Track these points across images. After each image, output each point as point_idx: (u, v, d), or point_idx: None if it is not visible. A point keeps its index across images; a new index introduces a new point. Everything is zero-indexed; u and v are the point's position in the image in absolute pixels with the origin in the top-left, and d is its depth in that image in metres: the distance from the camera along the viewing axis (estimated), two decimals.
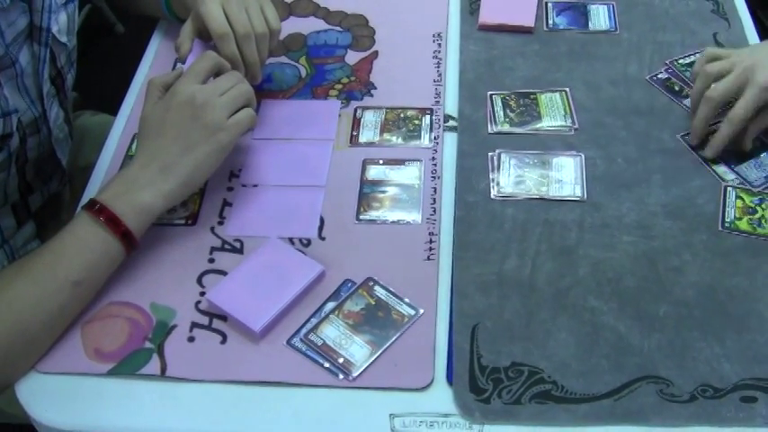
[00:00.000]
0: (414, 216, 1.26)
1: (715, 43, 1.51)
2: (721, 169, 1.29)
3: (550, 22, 1.57)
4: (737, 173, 1.29)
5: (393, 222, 1.25)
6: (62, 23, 1.35)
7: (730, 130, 1.27)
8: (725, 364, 1.08)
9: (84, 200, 1.30)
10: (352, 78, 1.48)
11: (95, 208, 1.13)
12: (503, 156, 1.32)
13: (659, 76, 1.46)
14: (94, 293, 1.16)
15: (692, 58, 1.48)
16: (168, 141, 1.18)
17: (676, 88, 1.44)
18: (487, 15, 1.57)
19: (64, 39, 1.36)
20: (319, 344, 1.11)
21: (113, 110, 1.50)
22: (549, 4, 1.61)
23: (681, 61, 1.48)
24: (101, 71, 2.44)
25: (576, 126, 1.36)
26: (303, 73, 1.50)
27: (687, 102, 1.40)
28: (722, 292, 1.15)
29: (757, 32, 1.54)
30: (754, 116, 1.26)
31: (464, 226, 1.24)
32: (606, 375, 1.07)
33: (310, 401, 1.07)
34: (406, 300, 1.15)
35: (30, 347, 1.10)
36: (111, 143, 1.40)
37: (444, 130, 1.38)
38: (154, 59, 1.56)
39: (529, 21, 1.55)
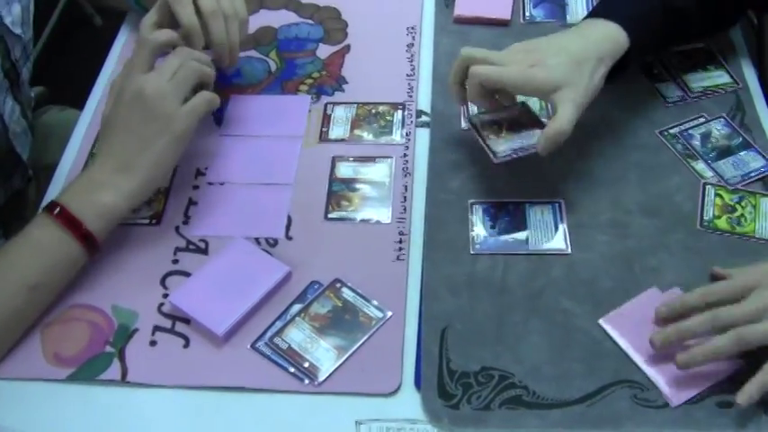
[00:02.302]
0: (384, 215, 1.23)
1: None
2: (700, 166, 1.27)
3: (527, 14, 1.54)
4: (715, 170, 1.26)
5: (362, 221, 1.22)
6: (15, 14, 1.32)
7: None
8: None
9: (48, 199, 1.27)
10: (323, 73, 1.45)
11: (55, 211, 1.10)
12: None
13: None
14: (53, 297, 1.13)
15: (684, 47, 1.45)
16: (124, 138, 1.14)
17: (655, 71, 1.42)
18: (463, 8, 1.53)
19: (18, 30, 1.33)
20: (284, 348, 1.08)
21: (82, 105, 1.47)
22: None
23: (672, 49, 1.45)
24: (75, 65, 2.41)
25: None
26: (273, 67, 1.46)
27: (662, 87, 1.39)
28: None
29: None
30: None
31: (435, 224, 1.21)
32: (579, 380, 1.05)
33: (275, 407, 1.04)
34: (375, 302, 1.12)
35: None
36: (76, 141, 1.38)
37: (417, 126, 1.35)
38: (121, 54, 1.52)
39: (505, 13, 1.52)
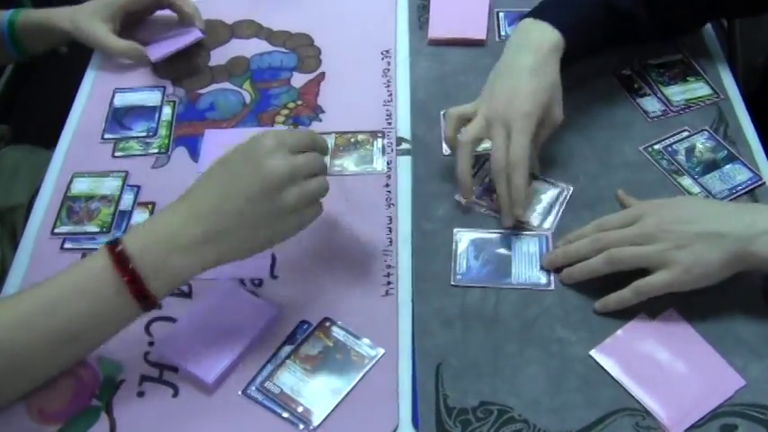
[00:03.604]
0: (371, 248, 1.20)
1: (675, 47, 1.46)
2: (687, 182, 1.25)
3: (503, 32, 1.52)
4: (702, 185, 1.24)
5: (349, 255, 1.20)
6: None
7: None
8: None
9: (22, 239, 1.27)
10: (299, 102, 1.42)
11: (121, 261, 0.98)
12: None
13: (623, 72, 1.44)
14: (95, 350, 1.06)
15: (661, 60, 1.45)
16: (232, 207, 1.01)
17: (635, 86, 1.41)
18: (437, 30, 1.52)
19: None
20: (277, 392, 1.05)
21: (49, 141, 1.44)
22: (501, 14, 1.56)
23: (651, 62, 1.45)
24: (40, 98, 2.37)
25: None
26: (248, 99, 1.44)
27: (644, 101, 1.38)
28: (693, 312, 1.11)
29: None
30: None
31: (422, 256, 1.19)
32: (579, 410, 1.03)
33: None
34: (366, 340, 1.10)
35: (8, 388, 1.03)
36: (49, 182, 1.34)
37: (398, 154, 1.32)
38: (91, 91, 1.49)
39: (480, 33, 1.50)
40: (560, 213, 1.23)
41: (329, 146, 1.25)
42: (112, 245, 1.00)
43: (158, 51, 1.50)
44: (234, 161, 1.04)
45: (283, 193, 1.01)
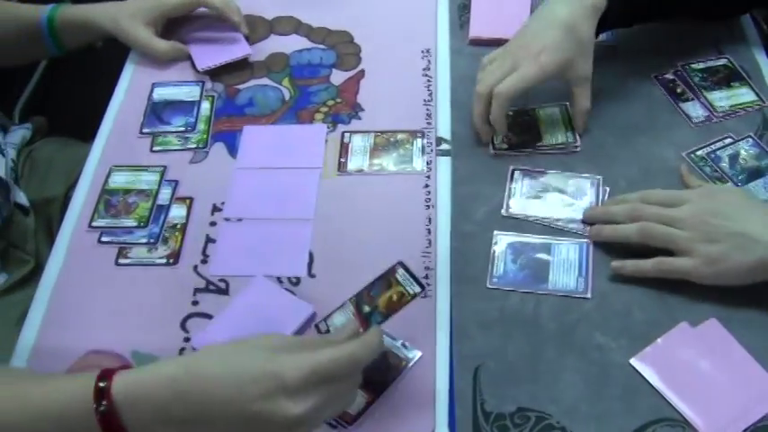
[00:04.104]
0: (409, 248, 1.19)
1: (717, 51, 1.44)
2: None
3: None
4: None
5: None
6: None
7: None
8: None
9: (59, 232, 1.27)
10: (339, 100, 1.41)
11: (105, 411, 0.88)
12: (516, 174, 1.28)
13: (666, 75, 1.42)
14: None
15: (705, 64, 1.43)
16: (222, 415, 0.88)
17: (678, 90, 1.39)
18: (478, 29, 1.50)
19: None
20: None
21: (84, 134, 1.43)
22: None
23: (693, 66, 1.43)
24: (76, 92, 2.37)
25: (578, 143, 1.30)
26: (287, 95, 1.43)
27: (687, 106, 1.36)
28: (737, 322, 1.09)
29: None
30: None
31: (461, 258, 1.18)
32: (618, 419, 1.01)
33: None
34: (404, 342, 1.09)
35: None
36: (87, 176, 1.34)
37: (437, 155, 1.31)
38: (129, 87, 1.49)
39: None
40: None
41: (368, 147, 1.26)
42: (102, 378, 0.90)
43: (205, 61, 1.48)
44: (245, 368, 0.89)
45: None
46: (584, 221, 1.20)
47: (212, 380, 0.88)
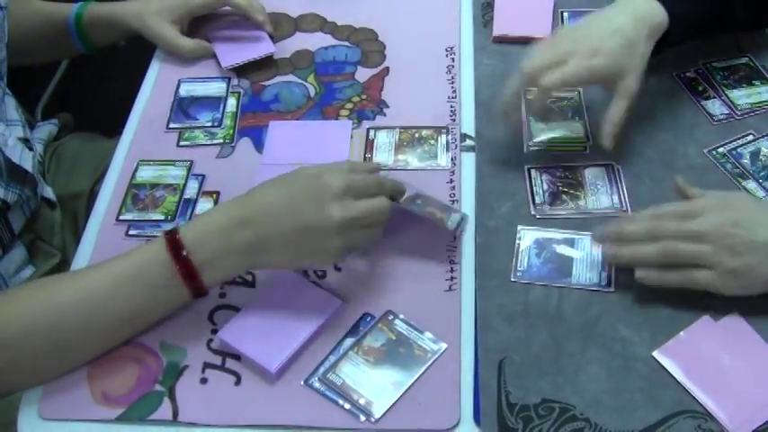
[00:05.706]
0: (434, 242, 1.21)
1: (738, 50, 1.45)
2: (751, 185, 1.24)
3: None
4: (767, 189, 1.23)
5: (413, 249, 1.20)
6: None
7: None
8: None
9: (87, 225, 1.29)
10: (363, 97, 1.43)
11: (175, 248, 1.06)
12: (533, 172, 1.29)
13: (687, 74, 1.43)
14: (144, 330, 1.12)
15: (726, 63, 1.44)
16: (283, 231, 1.07)
17: (700, 88, 1.40)
18: (501, 27, 1.52)
19: None
20: (339, 383, 1.05)
21: (109, 130, 1.44)
22: (565, 14, 1.55)
23: (715, 64, 1.44)
24: (100, 89, 2.39)
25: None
26: (312, 92, 1.45)
27: (708, 104, 1.37)
28: (759, 316, 1.09)
29: None
30: None
31: (485, 253, 1.19)
32: (641, 411, 1.02)
33: None
34: (428, 334, 1.10)
35: (61, 362, 1.08)
36: (115, 169, 1.36)
37: (462, 151, 1.32)
38: (155, 83, 1.51)
39: (545, 31, 1.50)
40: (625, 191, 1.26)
41: (393, 143, 1.29)
42: (170, 232, 1.07)
43: (230, 59, 1.50)
44: (299, 188, 1.09)
45: (334, 239, 1.07)
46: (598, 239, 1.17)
47: (266, 196, 1.09)
